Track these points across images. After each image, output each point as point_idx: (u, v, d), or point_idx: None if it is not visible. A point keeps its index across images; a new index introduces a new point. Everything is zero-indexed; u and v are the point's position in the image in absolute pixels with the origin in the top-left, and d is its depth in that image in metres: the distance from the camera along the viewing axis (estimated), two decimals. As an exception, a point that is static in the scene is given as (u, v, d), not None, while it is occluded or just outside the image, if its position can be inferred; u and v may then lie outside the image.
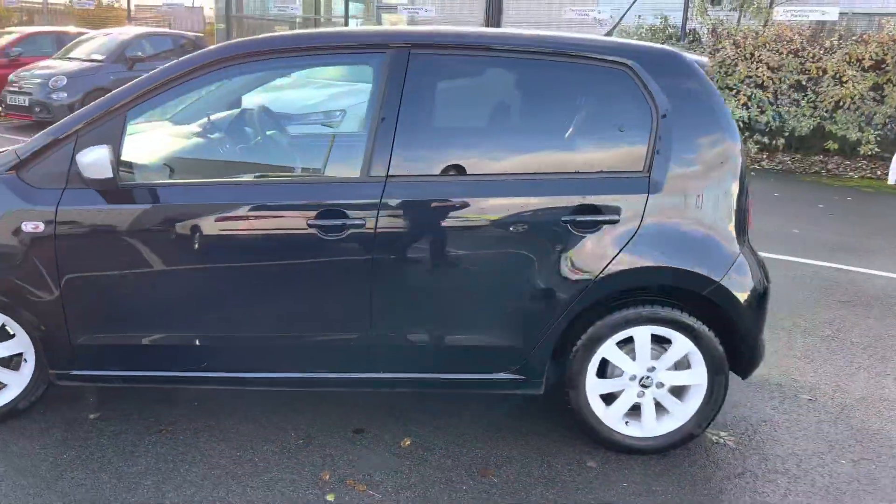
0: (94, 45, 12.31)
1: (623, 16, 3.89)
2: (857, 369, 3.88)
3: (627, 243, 2.78)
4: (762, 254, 3.13)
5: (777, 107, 10.26)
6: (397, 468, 2.84)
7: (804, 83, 10.10)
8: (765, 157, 10.79)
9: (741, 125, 10.20)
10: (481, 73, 3.00)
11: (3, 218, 2.76)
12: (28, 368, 3.01)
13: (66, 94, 11.00)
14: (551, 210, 2.77)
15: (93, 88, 10.99)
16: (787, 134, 10.32)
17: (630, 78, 2.81)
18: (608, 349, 2.89)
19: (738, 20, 11.42)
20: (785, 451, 3.07)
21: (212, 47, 2.89)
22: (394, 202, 2.74)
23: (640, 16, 11.65)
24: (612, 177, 2.82)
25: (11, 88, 11.36)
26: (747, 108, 10.24)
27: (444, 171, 2.81)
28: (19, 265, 2.79)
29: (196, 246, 2.77)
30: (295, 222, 2.75)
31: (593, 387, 2.94)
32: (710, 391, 2.93)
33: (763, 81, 10.18)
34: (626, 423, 2.99)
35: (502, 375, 2.93)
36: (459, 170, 2.81)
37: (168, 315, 2.87)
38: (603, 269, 2.79)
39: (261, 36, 2.96)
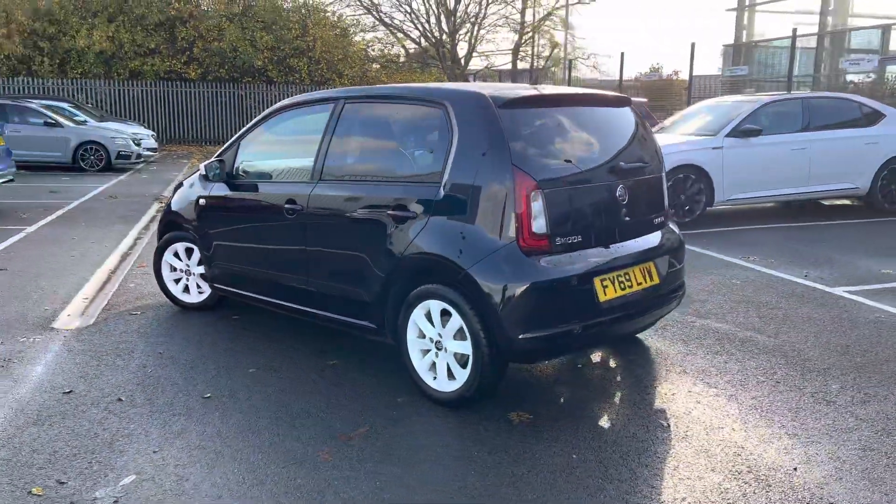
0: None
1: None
2: (772, 423, 3.54)
3: (418, 234, 3.75)
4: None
5: None
6: (309, 366, 4.34)
7: None
8: None
9: None
10: (372, 114, 4.28)
11: (195, 196, 5.27)
12: (211, 282, 5.50)
13: None
14: (383, 204, 3.93)
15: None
16: None
17: (443, 113, 3.77)
18: (417, 315, 3.84)
19: None
20: (551, 436, 3.45)
21: (277, 104, 4.90)
22: (316, 195, 4.30)
23: None
24: (419, 184, 3.82)
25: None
26: None
27: (342, 176, 4.25)
28: (198, 219, 5.25)
29: (252, 214, 4.82)
30: (280, 205, 4.54)
31: (412, 343, 3.91)
32: (476, 362, 3.59)
33: None
34: (435, 378, 3.84)
35: (366, 323, 4.15)
36: (350, 175, 4.22)
37: (240, 254, 4.97)
38: (404, 252, 3.81)
39: (294, 97, 4.83)
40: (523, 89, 3.94)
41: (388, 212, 3.89)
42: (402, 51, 33.79)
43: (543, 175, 3.59)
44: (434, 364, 3.83)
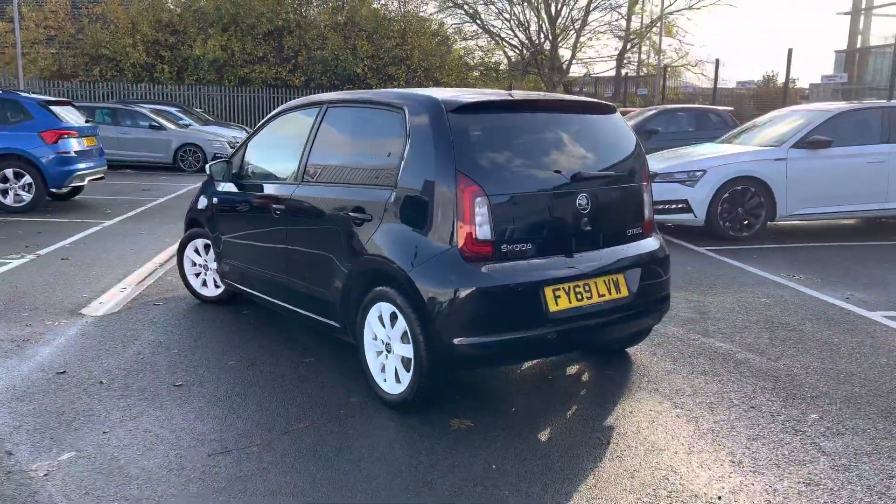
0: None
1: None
2: (730, 450, 3.33)
3: (371, 236, 3.79)
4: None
5: None
6: (286, 361, 4.47)
7: None
8: None
9: None
10: (346, 118, 4.34)
11: (213, 196, 5.54)
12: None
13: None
14: (346, 206, 4.00)
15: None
16: None
17: (401, 118, 3.80)
18: (372, 316, 3.88)
19: None
20: (481, 444, 3.40)
21: (280, 107, 5.08)
22: (296, 196, 4.43)
23: None
24: (376, 187, 3.85)
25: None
26: None
27: (317, 179, 4.34)
28: (212, 217, 5.51)
29: (249, 214, 5.02)
30: (269, 204, 4.71)
31: (368, 344, 3.95)
32: (416, 366, 3.59)
33: None
34: (385, 380, 3.86)
35: (332, 322, 4.22)
36: (324, 177, 4.31)
37: (241, 251, 5.17)
38: (360, 254, 3.86)
39: (293, 101, 4.98)
40: (482, 95, 3.91)
41: (350, 214, 3.96)
42: (504, 58, 33.84)
43: (491, 181, 3.54)
44: (384, 366, 3.86)
